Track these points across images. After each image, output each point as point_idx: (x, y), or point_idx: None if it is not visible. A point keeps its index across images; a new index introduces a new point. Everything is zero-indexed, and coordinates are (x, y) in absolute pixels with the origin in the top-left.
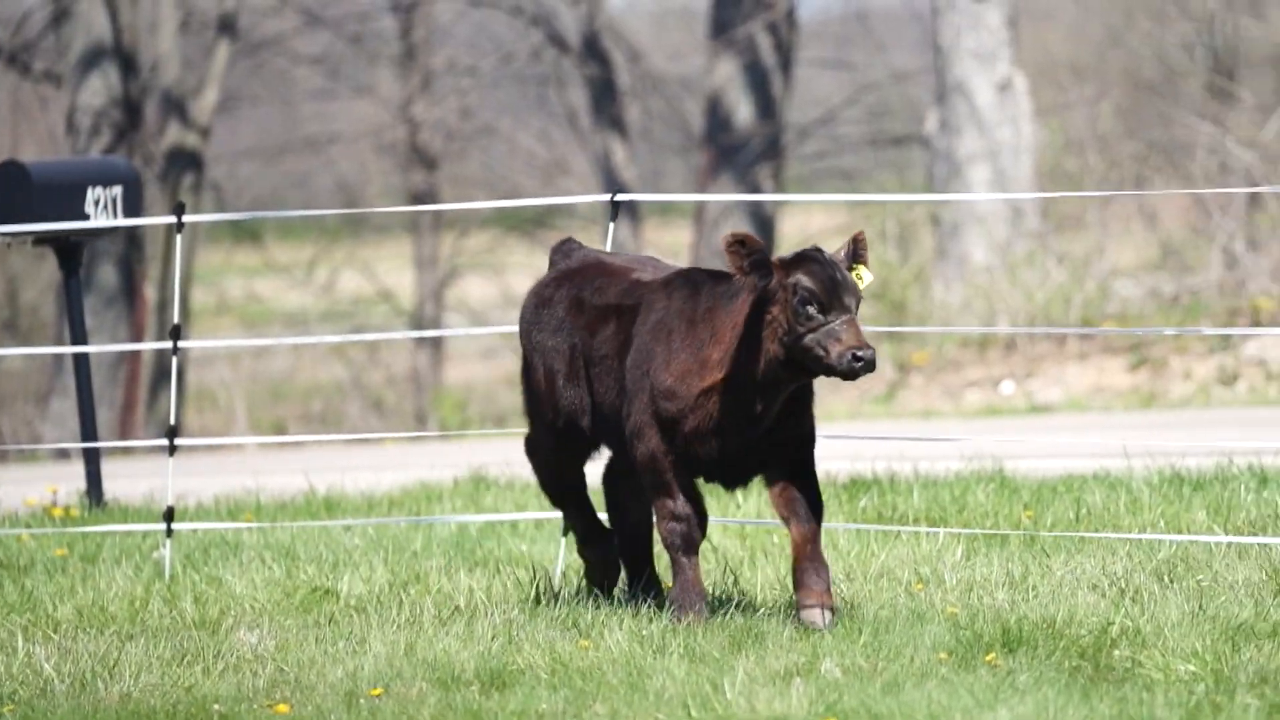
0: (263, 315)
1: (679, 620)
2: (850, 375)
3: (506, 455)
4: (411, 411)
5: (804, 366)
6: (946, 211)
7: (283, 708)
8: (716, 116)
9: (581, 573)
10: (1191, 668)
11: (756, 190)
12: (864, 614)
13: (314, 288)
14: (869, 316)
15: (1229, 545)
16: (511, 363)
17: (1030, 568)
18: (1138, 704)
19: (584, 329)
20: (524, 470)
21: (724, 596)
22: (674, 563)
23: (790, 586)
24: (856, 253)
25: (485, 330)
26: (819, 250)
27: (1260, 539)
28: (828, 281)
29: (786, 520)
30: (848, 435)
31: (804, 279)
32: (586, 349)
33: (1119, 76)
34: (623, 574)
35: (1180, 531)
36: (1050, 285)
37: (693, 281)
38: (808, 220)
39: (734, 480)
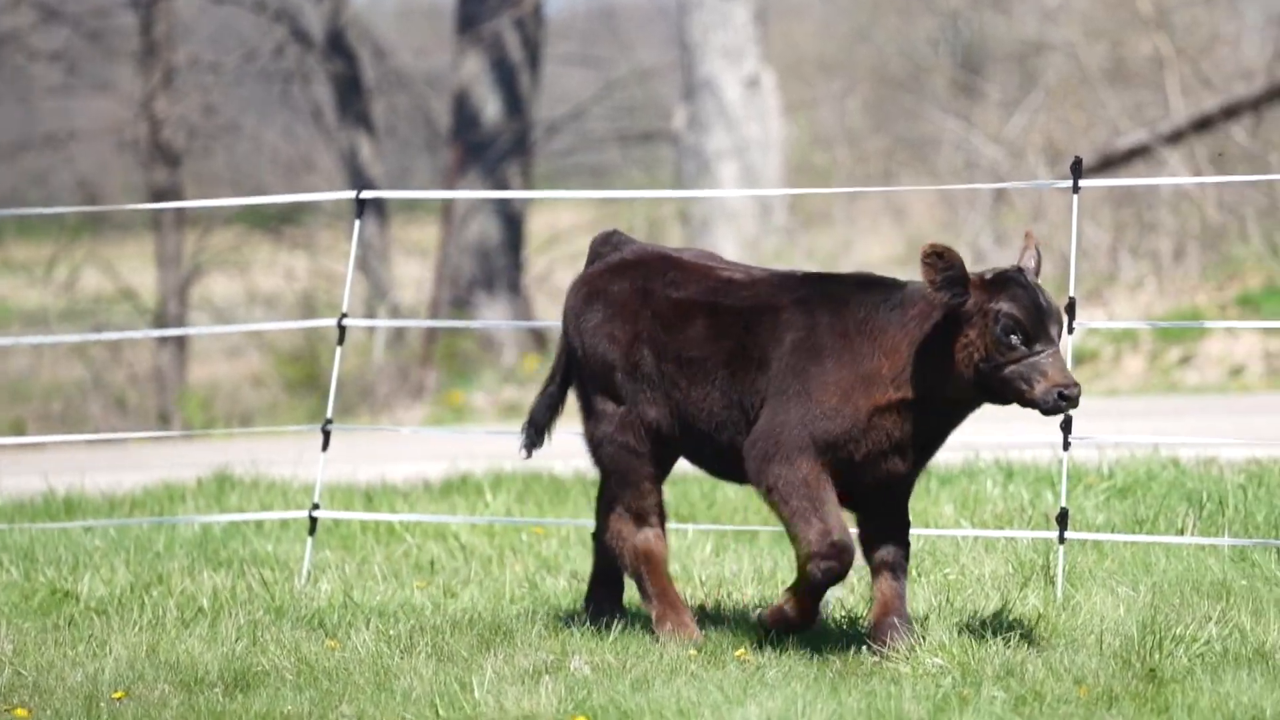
0: (1, 315)
1: (780, 629)
2: (1054, 413)
3: (253, 454)
4: (155, 411)
5: (998, 396)
6: (696, 208)
7: (21, 712)
8: (464, 113)
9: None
10: (939, 661)
11: (505, 187)
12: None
13: (54, 286)
14: None
15: (975, 539)
16: (257, 361)
17: (779, 563)
18: (885, 698)
19: (653, 317)
20: (270, 469)
21: (475, 595)
22: (808, 594)
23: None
24: (1039, 261)
25: (230, 329)
26: (1021, 271)
27: (1006, 532)
28: (1034, 310)
29: (877, 569)
30: None
31: (1009, 306)
32: (658, 341)
33: (866, 72)
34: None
35: (928, 526)
36: None
37: (833, 289)
38: (556, 217)
39: (861, 507)
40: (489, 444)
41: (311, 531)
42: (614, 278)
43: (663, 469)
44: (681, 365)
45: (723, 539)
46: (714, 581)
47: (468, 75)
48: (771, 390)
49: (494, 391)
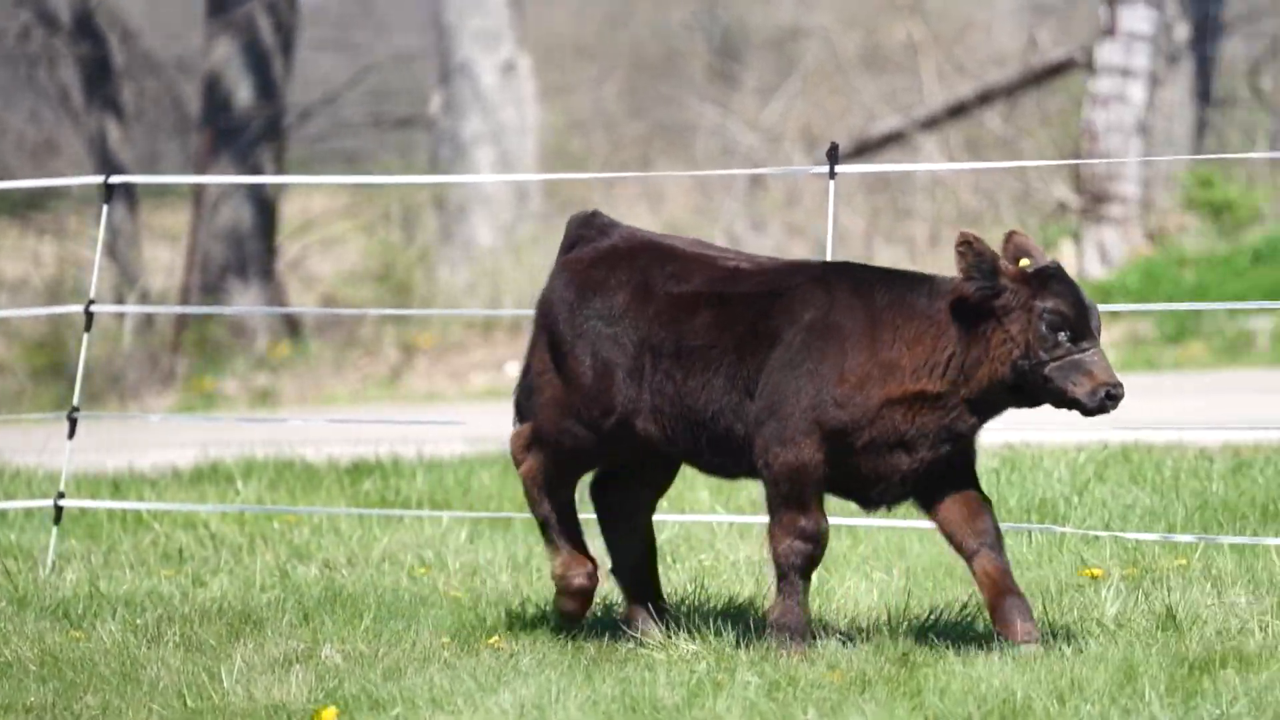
0: None
1: (783, 647)
2: (1098, 413)
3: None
4: None
5: (1036, 395)
6: (451, 193)
7: None
8: (215, 98)
9: (557, 601)
10: (694, 647)
11: (258, 172)
12: (366, 599)
13: None
14: (371, 299)
15: (730, 525)
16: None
17: (534, 550)
18: (640, 684)
19: (656, 320)
20: (14, 458)
21: (224, 584)
22: (787, 583)
23: (990, 620)
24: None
25: None
26: (1061, 267)
27: (761, 518)
28: (1079, 306)
29: (974, 552)
30: (352, 420)
31: (1055, 302)
32: (661, 342)
33: (623, 58)
34: (623, 605)
35: (684, 511)
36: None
37: (857, 274)
38: (309, 203)
39: (883, 500)
40: (240, 431)
41: (57, 520)
42: (610, 270)
43: (616, 462)
44: (680, 358)
45: (478, 526)
46: (468, 569)
47: (219, 59)
48: (779, 363)
49: (245, 378)
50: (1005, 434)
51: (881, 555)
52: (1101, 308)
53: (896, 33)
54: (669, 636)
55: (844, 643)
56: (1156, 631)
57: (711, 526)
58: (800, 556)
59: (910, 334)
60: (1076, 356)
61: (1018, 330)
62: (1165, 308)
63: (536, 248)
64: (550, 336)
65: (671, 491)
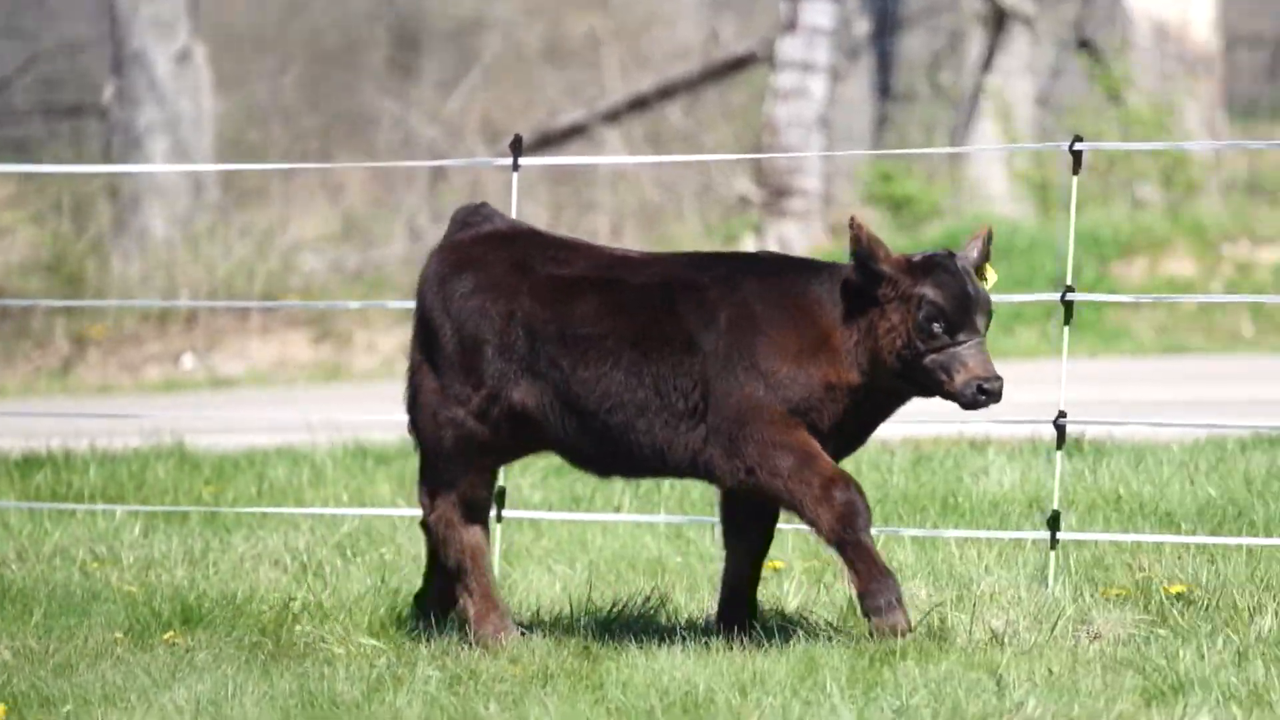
0: None
1: (892, 623)
2: (972, 407)
3: None
4: None
5: (920, 386)
6: (125, 183)
7: None
8: None
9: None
10: (374, 642)
11: None
12: (37, 595)
13: None
14: (41, 290)
15: (412, 519)
16: None
17: (211, 544)
18: (319, 679)
19: (532, 295)
20: None
21: None
22: (859, 549)
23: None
24: (986, 253)
25: None
26: (951, 256)
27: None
28: (960, 297)
29: (735, 547)
30: (23, 413)
31: (932, 292)
32: (537, 320)
33: (301, 48)
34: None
35: (364, 505)
36: (232, 258)
37: (756, 266)
38: None
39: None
40: None
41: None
42: (488, 248)
43: (507, 458)
44: (566, 345)
45: (153, 520)
46: (142, 563)
47: None
48: (714, 372)
49: None
50: None
51: (565, 548)
52: None
53: (579, 25)
54: (347, 633)
55: (526, 635)
56: (838, 623)
57: (393, 520)
58: (854, 516)
59: (826, 322)
60: (954, 349)
61: (899, 320)
62: None
63: (213, 239)
64: (422, 322)
65: (351, 484)
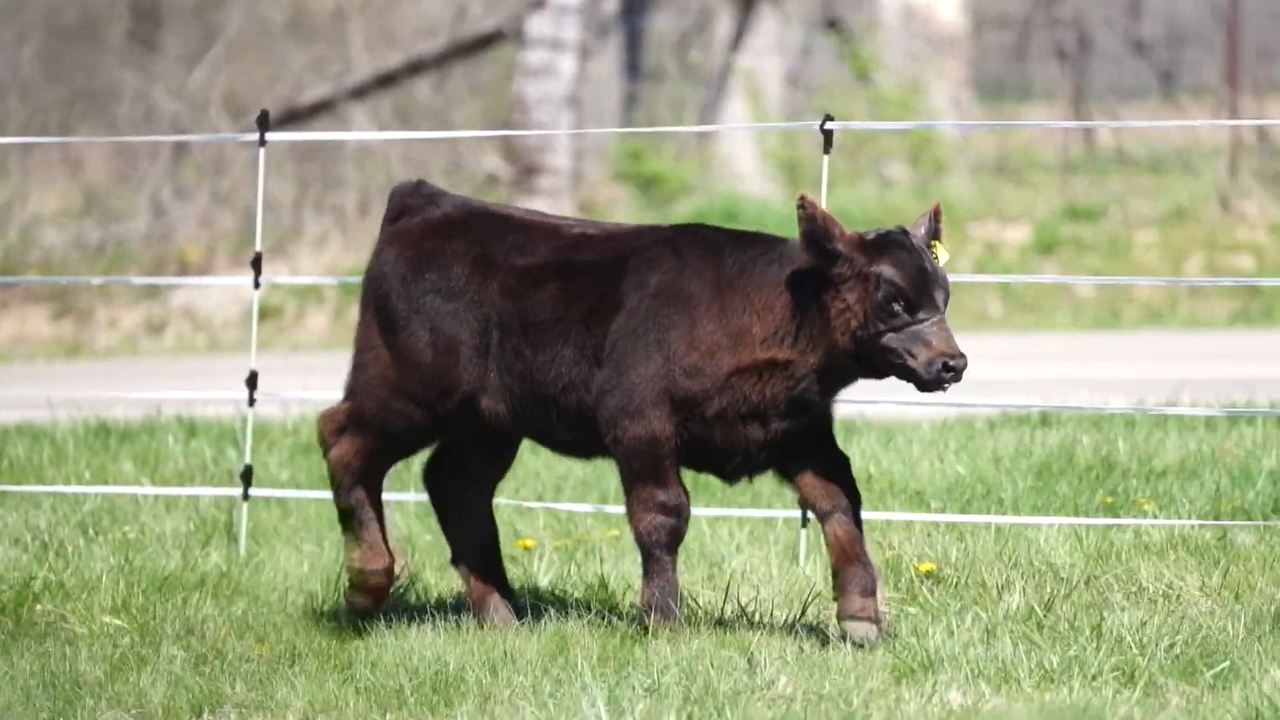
0: None
1: (660, 627)
2: (933, 387)
3: None
4: None
5: (878, 366)
6: None
7: None
8: None
9: (349, 593)
10: (117, 621)
11: None
12: None
13: None
14: None
15: (156, 497)
16: None
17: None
18: (60, 659)
19: (502, 294)
20: None
21: None
22: (653, 561)
23: (831, 590)
24: (936, 229)
25: None
26: (905, 233)
27: (188, 490)
28: (918, 275)
29: (826, 515)
30: None
31: (891, 271)
32: (508, 318)
33: (40, 20)
34: (470, 593)
35: (107, 483)
36: None
37: (707, 239)
38: None
39: (742, 472)
40: None
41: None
42: (444, 240)
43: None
44: (528, 333)
45: None
46: None
47: None
48: (625, 331)
49: None
50: None
51: (312, 527)
52: None
53: (324, 1)
54: (90, 612)
55: (271, 614)
56: (589, 601)
57: (136, 499)
58: (664, 532)
59: (760, 301)
60: (915, 327)
61: (855, 299)
62: None
63: None
64: (381, 313)
65: (93, 462)
